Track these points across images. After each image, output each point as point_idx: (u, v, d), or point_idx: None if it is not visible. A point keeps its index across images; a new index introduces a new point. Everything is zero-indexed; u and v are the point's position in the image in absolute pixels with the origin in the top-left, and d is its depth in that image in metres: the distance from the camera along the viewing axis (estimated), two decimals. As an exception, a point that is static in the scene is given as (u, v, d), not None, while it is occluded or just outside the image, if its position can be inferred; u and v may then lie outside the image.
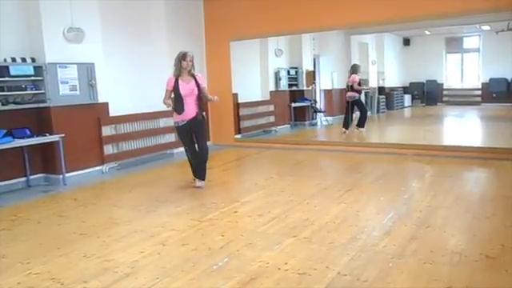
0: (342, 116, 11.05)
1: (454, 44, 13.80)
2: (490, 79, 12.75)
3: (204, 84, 5.11)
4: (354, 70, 9.21)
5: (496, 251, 2.99)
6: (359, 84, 9.08)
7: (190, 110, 4.91)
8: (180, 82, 4.86)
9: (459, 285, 2.54)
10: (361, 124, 9.12)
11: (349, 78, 9.15)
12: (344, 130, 8.95)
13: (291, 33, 8.16)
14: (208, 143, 8.37)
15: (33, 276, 2.90)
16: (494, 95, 12.52)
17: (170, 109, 4.97)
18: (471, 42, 13.72)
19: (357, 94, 9.11)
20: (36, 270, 2.98)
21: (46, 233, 3.80)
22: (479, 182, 5.32)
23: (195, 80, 4.93)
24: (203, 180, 5.17)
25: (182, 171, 6.59)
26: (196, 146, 5.08)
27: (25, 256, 3.24)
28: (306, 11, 7.18)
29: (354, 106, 9.11)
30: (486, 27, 11.69)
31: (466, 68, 13.98)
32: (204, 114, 5.07)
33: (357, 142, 8.46)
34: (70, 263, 3.09)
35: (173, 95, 4.91)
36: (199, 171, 5.16)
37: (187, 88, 4.87)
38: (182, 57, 4.84)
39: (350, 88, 9.08)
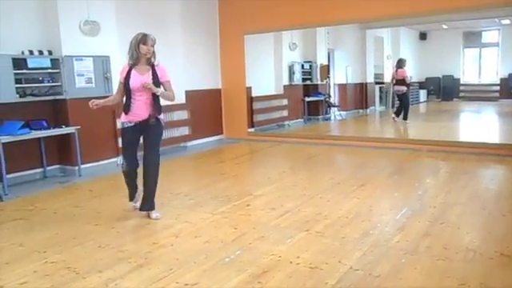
0: (356, 110, 11.09)
1: (472, 38, 13.55)
2: (510, 74, 12.51)
3: (167, 77, 3.84)
4: (402, 64, 9.56)
5: (512, 249, 2.95)
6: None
7: (139, 109, 3.74)
8: (133, 72, 3.73)
9: (473, 282, 2.51)
10: (405, 116, 9.50)
11: (396, 71, 9.53)
12: (395, 117, 9.63)
13: (306, 26, 8.10)
14: (221, 137, 8.54)
15: (49, 265, 2.96)
16: (513, 91, 12.28)
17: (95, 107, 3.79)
18: (490, 36, 13.45)
19: (405, 88, 9.50)
20: (52, 259, 3.04)
21: (61, 223, 3.86)
22: (495, 178, 5.23)
23: (154, 72, 3.76)
24: (152, 209, 3.87)
25: (195, 164, 6.65)
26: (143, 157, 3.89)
27: (41, 245, 3.31)
28: (321, 5, 7.12)
29: (401, 98, 9.58)
30: (505, 21, 11.45)
31: (484, 63, 13.72)
32: (160, 117, 3.85)
33: (370, 137, 8.39)
34: (85, 253, 3.14)
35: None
36: (146, 194, 3.87)
37: (139, 81, 3.69)
38: (142, 39, 3.71)
39: (397, 82, 9.50)
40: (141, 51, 3.71)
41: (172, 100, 4.01)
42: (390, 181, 5.01)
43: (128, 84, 3.72)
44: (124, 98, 3.82)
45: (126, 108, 3.77)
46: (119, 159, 6.33)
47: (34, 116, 5.39)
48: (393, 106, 11.47)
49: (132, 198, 4.08)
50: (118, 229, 3.64)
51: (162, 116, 3.89)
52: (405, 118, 9.45)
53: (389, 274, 2.65)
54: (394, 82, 9.58)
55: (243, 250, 3.09)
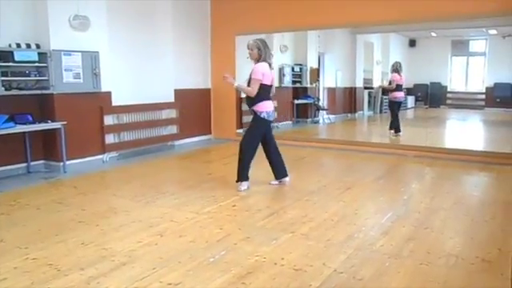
0: (344, 114, 11.03)
1: (459, 47, 13.73)
2: (495, 84, 12.72)
3: (252, 74, 4.67)
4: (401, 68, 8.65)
5: (493, 255, 2.99)
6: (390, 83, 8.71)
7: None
8: None
9: (454, 287, 2.55)
10: (399, 128, 8.67)
11: (399, 75, 8.53)
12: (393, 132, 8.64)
13: (297, 29, 8.13)
14: (209, 137, 8.52)
15: (30, 261, 2.91)
16: (498, 100, 12.48)
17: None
18: (477, 45, 13.65)
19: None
20: (33, 256, 2.99)
21: (44, 219, 3.81)
22: (479, 185, 5.31)
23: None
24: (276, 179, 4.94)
25: (182, 163, 6.62)
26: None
27: (23, 241, 3.25)
28: (313, 8, 7.15)
29: (399, 106, 8.68)
30: (492, 31, 11.65)
31: (470, 71, 13.93)
32: (257, 109, 4.62)
33: (358, 141, 8.45)
34: (68, 250, 3.10)
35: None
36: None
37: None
38: None
39: (397, 88, 8.52)
40: None
41: (247, 94, 4.68)
42: (376, 185, 5.05)
43: None
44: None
45: None
46: (105, 156, 6.28)
47: (20, 110, 5.30)
48: (381, 112, 11.53)
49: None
50: (102, 226, 3.60)
51: (260, 109, 4.58)
52: (398, 131, 8.55)
53: (372, 277, 2.66)
54: (389, 87, 8.60)
55: (228, 250, 3.08)
